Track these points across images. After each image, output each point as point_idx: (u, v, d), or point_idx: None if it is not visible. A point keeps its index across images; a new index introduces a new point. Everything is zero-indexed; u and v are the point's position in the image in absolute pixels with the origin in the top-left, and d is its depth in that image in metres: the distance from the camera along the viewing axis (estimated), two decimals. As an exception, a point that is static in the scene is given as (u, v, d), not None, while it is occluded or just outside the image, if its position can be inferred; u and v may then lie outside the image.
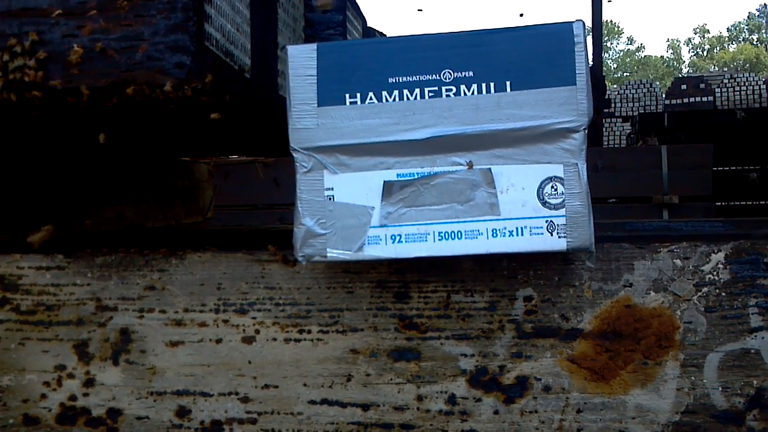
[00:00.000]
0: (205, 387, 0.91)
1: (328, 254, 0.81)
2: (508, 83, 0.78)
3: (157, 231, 1.25)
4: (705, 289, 0.84)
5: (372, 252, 0.80)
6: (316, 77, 0.81)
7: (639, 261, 0.85)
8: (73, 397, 0.93)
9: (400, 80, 0.80)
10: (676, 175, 4.37)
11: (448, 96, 0.79)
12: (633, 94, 15.68)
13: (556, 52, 0.78)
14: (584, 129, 0.78)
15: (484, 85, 0.79)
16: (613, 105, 14.10)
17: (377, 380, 0.88)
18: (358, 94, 0.80)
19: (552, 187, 0.78)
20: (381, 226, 0.79)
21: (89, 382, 0.93)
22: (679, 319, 0.84)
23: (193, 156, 1.86)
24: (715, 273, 0.84)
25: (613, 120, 14.21)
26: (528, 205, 0.78)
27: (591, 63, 6.95)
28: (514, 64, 0.78)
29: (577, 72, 0.78)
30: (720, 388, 0.83)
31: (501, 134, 0.78)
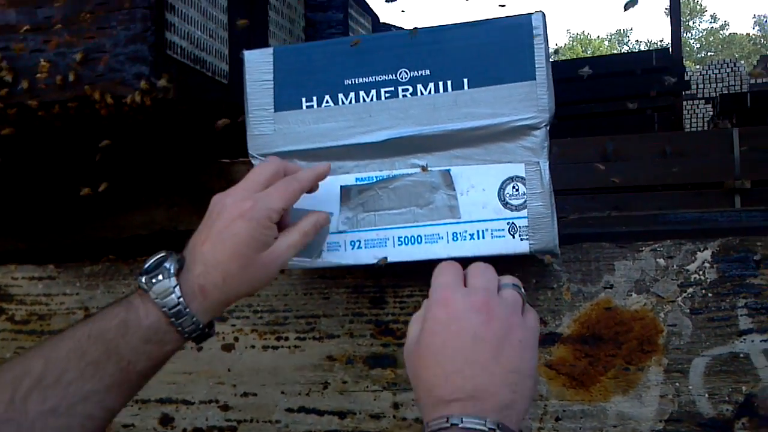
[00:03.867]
0: (187, 395, 0.91)
1: (288, 262, 0.79)
2: (465, 81, 0.75)
3: (143, 238, 1.26)
4: (690, 290, 0.79)
5: (331, 259, 0.78)
6: (272, 82, 0.79)
7: (620, 261, 0.81)
8: (65, 405, 0.95)
9: (356, 81, 0.77)
10: (749, 158, 4.18)
11: (404, 96, 0.76)
12: (716, 74, 15.08)
13: (514, 47, 0.75)
14: (546, 126, 0.74)
15: (441, 83, 0.76)
16: (695, 86, 13.57)
17: (353, 387, 0.87)
18: (315, 98, 0.78)
19: (513, 187, 0.74)
20: (340, 232, 0.78)
21: (80, 390, 0.95)
22: (663, 322, 0.79)
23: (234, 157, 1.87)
24: (701, 272, 0.79)
25: (696, 102, 13.70)
26: (489, 207, 0.75)
27: (670, 43, 6.71)
28: (471, 61, 0.75)
29: (536, 66, 0.74)
30: (706, 395, 0.78)
31: (459, 134, 0.75)
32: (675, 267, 0.80)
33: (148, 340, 0.63)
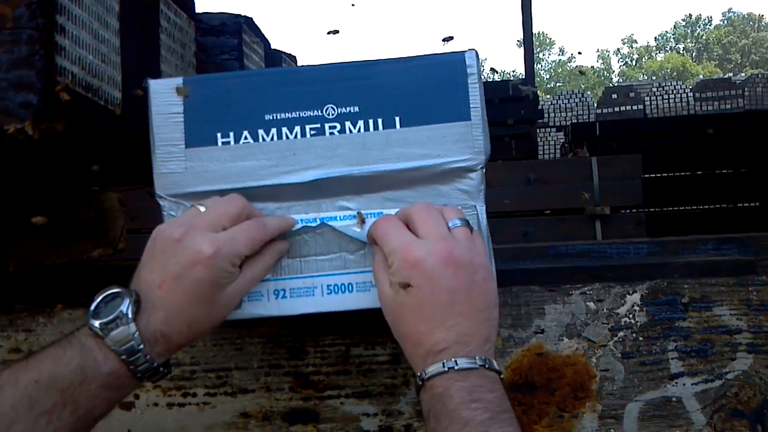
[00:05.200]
0: (78, 463, 0.81)
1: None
2: (397, 119, 0.71)
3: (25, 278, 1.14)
4: (621, 334, 0.78)
5: (252, 310, 0.71)
6: (183, 115, 0.72)
7: (550, 305, 0.79)
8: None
9: (279, 117, 0.71)
10: (607, 186, 4.38)
11: (332, 134, 0.71)
12: (566, 104, 15.86)
13: (448, 85, 0.71)
14: (481, 168, 0.71)
15: (371, 121, 0.71)
16: (546, 115, 14.22)
17: (270, 447, 0.80)
18: (231, 134, 0.71)
19: (449, 231, 0.70)
20: (263, 280, 0.71)
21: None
22: (595, 366, 0.77)
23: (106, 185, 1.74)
24: (631, 316, 0.78)
25: (548, 130, 14.34)
26: None
27: (524, 73, 7.01)
28: (403, 99, 0.71)
29: (471, 106, 0.71)
30: (640, 441, 0.76)
31: (391, 175, 0.71)
32: (605, 310, 0.78)
33: (107, 386, 0.59)
